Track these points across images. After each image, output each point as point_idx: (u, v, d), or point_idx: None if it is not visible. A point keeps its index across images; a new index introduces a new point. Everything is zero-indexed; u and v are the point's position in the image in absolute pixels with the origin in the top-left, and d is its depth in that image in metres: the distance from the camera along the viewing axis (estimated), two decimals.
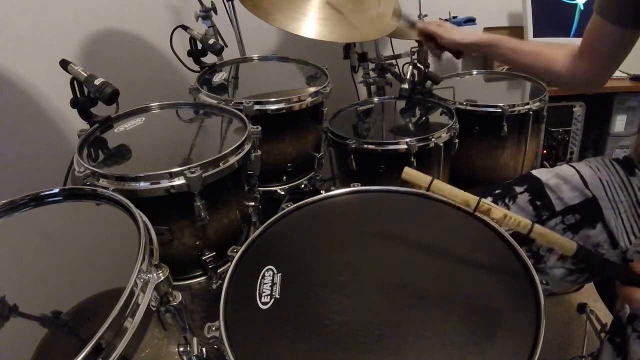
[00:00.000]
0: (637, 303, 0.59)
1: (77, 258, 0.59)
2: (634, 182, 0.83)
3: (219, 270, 0.86)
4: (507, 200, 0.90)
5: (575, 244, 0.58)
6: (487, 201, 0.61)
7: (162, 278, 0.51)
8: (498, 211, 0.60)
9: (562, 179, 0.88)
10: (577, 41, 0.86)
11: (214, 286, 0.86)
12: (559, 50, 0.91)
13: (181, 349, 0.56)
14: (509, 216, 0.59)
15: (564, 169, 0.90)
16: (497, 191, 0.93)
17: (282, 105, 1.03)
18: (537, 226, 0.58)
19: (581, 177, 0.86)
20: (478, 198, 0.60)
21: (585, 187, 0.85)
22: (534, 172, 0.93)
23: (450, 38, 1.07)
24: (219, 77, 1.20)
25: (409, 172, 0.63)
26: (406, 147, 1.05)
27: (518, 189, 0.90)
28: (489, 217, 0.62)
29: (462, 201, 0.62)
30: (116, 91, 0.83)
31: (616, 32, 0.76)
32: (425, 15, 1.53)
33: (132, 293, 0.46)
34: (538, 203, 0.88)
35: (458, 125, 1.16)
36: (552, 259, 0.86)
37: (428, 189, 0.62)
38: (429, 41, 1.14)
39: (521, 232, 0.59)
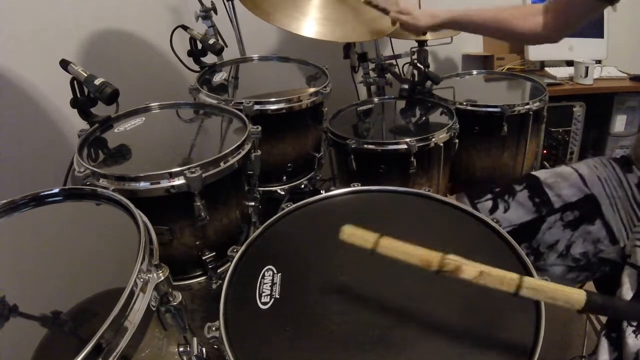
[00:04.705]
0: None
1: (77, 258, 0.59)
2: (630, 178, 0.84)
3: (219, 270, 0.86)
4: (506, 197, 0.92)
5: (584, 292, 0.45)
6: (455, 257, 0.46)
7: (162, 278, 0.51)
8: (471, 268, 0.44)
9: (560, 177, 0.90)
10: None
11: (214, 286, 0.86)
12: (519, 12, 0.96)
13: (181, 349, 0.56)
14: (487, 272, 0.44)
15: (562, 168, 0.92)
16: (496, 189, 0.94)
17: (282, 105, 1.02)
18: (527, 279, 0.45)
19: (579, 175, 0.88)
20: (441, 255, 0.46)
21: (584, 184, 0.86)
22: (533, 172, 0.96)
23: (417, 24, 1.10)
24: (219, 77, 1.20)
25: (349, 233, 0.51)
26: (406, 147, 1.05)
27: (517, 187, 0.92)
28: (459, 277, 0.46)
29: (420, 261, 0.48)
30: (116, 91, 0.83)
31: (590, 2, 0.81)
32: None
33: (132, 293, 0.46)
34: (537, 200, 0.89)
35: (458, 125, 1.16)
36: (552, 257, 0.87)
37: (374, 250, 0.49)
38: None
39: (507, 291, 0.45)
